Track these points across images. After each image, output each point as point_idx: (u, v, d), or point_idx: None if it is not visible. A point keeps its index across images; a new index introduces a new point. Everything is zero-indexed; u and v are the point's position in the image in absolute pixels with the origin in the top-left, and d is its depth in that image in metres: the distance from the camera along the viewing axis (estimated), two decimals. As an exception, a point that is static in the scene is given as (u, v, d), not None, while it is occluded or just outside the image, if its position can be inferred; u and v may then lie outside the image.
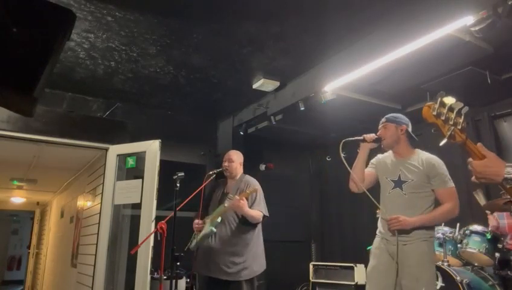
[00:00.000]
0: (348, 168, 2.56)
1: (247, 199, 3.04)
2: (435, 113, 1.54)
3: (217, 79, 4.29)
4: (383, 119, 2.66)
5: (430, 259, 2.41)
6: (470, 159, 1.46)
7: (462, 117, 1.51)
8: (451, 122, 1.50)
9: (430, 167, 2.45)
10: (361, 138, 2.59)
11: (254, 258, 3.07)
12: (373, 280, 2.52)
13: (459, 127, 1.50)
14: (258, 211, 3.06)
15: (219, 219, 3.04)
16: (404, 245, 2.40)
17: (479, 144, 1.47)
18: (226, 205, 3.07)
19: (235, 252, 3.01)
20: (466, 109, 1.50)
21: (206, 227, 3.07)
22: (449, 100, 1.53)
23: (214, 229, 3.02)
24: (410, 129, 2.61)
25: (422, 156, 2.52)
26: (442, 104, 1.55)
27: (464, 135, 1.49)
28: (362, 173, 2.64)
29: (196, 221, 3.13)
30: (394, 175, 2.55)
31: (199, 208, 3.17)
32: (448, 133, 1.49)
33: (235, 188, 3.22)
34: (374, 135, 2.60)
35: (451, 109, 1.53)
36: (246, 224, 3.08)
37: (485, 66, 3.49)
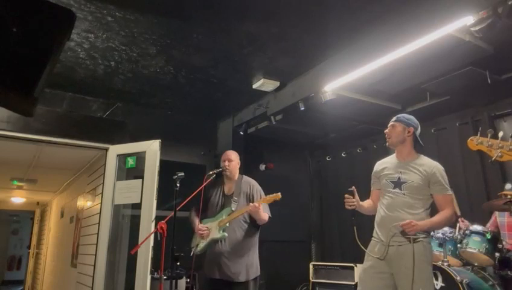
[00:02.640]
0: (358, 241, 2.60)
1: (251, 201, 3.12)
2: (476, 143, 1.88)
3: (217, 79, 4.29)
4: (394, 118, 2.67)
5: (427, 260, 2.40)
6: None
7: (510, 140, 1.83)
8: (496, 147, 1.83)
9: (431, 173, 2.47)
10: (351, 211, 2.64)
11: (256, 256, 3.15)
12: (366, 282, 2.53)
13: (507, 149, 1.82)
14: (266, 214, 3.11)
15: (228, 224, 3.06)
16: (399, 246, 2.41)
17: None
18: (233, 208, 3.10)
19: (244, 254, 3.06)
20: (510, 134, 1.83)
21: (215, 232, 3.07)
22: (490, 131, 1.92)
23: (226, 234, 3.04)
24: (418, 133, 2.61)
25: (425, 161, 2.55)
26: (484, 135, 1.90)
27: None
28: (373, 209, 2.70)
29: (200, 226, 3.12)
30: (394, 176, 2.57)
31: (199, 209, 3.16)
32: (495, 155, 1.83)
33: (237, 190, 3.21)
34: (349, 197, 2.61)
35: (494, 136, 1.87)
36: (253, 227, 3.15)
37: (485, 66, 3.49)
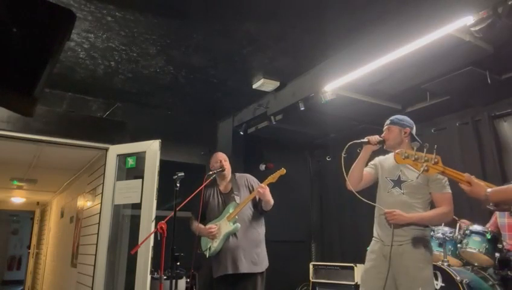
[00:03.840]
0: (344, 171, 2.58)
1: (251, 191, 3.21)
2: (402, 157, 1.91)
3: (217, 79, 4.29)
4: (388, 121, 2.67)
5: (427, 259, 2.41)
6: (460, 186, 1.80)
7: (434, 153, 1.84)
8: (422, 160, 1.85)
9: None
10: (366, 140, 2.61)
11: (265, 248, 3.22)
12: (367, 282, 2.53)
13: (432, 162, 1.83)
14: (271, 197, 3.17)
15: (237, 216, 3.09)
16: (399, 245, 2.41)
17: (466, 174, 1.78)
18: (238, 201, 3.13)
19: (257, 244, 3.13)
20: (434, 146, 1.86)
21: (227, 226, 3.07)
22: (415, 144, 1.98)
23: (239, 225, 3.07)
24: (414, 132, 2.62)
25: None
26: (410, 148, 1.93)
27: (440, 167, 1.83)
28: (361, 173, 2.67)
29: (208, 226, 3.12)
30: (394, 175, 2.57)
31: (198, 211, 3.16)
32: (421, 169, 1.84)
33: (235, 186, 3.25)
34: (378, 136, 2.62)
35: (420, 149, 1.89)
36: (259, 216, 3.23)
37: (485, 66, 3.49)
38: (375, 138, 2.61)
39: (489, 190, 1.69)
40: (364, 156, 2.65)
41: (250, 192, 3.22)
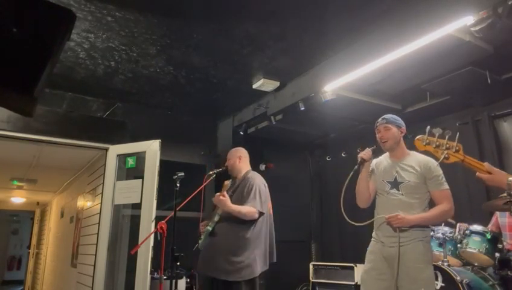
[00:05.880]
0: (347, 182, 2.61)
1: (240, 194, 3.03)
2: (424, 143, 1.86)
3: (217, 79, 4.29)
4: (383, 121, 2.63)
5: (427, 259, 2.41)
6: (478, 175, 1.79)
7: (456, 141, 1.80)
8: (443, 148, 1.80)
9: (426, 169, 2.47)
10: (360, 160, 2.62)
11: (256, 258, 2.92)
12: (368, 283, 2.52)
13: (453, 150, 1.79)
14: (249, 207, 2.91)
15: (216, 218, 3.00)
16: (400, 246, 2.40)
17: (486, 163, 1.79)
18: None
19: (234, 251, 2.87)
20: (457, 134, 1.82)
21: (209, 225, 3.07)
22: (437, 130, 1.87)
23: (210, 228, 3.01)
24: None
25: (419, 157, 2.54)
26: (432, 134, 1.87)
27: (460, 156, 1.79)
28: (368, 191, 2.66)
29: (202, 223, 3.14)
30: (390, 177, 2.56)
31: (201, 209, 3.16)
32: (442, 156, 1.80)
33: (232, 186, 3.21)
34: (368, 149, 2.64)
35: (442, 136, 1.83)
36: (241, 221, 2.94)
37: (485, 66, 3.49)
38: (368, 152, 2.63)
39: (511, 178, 1.74)
40: (365, 173, 2.66)
41: (244, 194, 3.03)
